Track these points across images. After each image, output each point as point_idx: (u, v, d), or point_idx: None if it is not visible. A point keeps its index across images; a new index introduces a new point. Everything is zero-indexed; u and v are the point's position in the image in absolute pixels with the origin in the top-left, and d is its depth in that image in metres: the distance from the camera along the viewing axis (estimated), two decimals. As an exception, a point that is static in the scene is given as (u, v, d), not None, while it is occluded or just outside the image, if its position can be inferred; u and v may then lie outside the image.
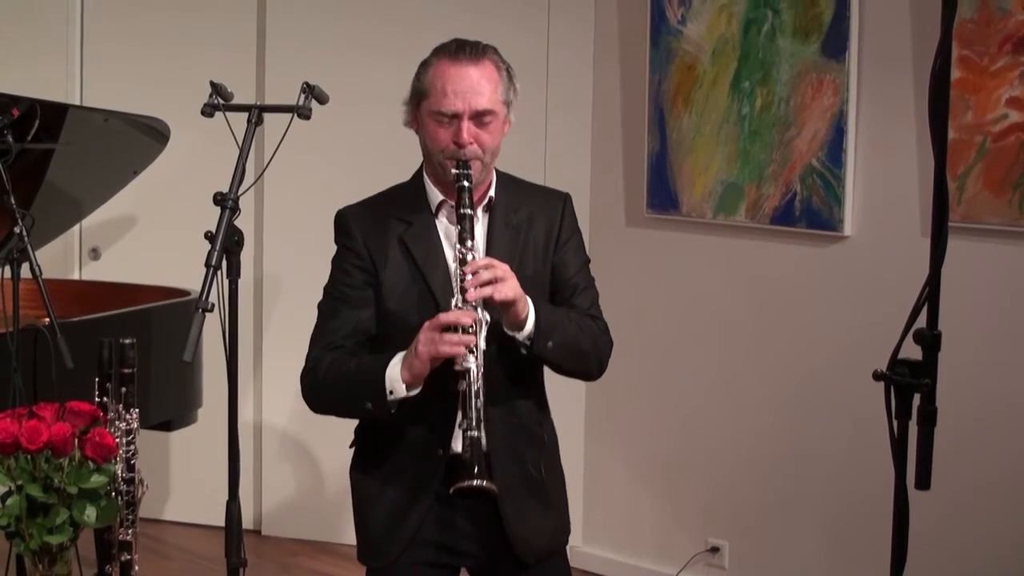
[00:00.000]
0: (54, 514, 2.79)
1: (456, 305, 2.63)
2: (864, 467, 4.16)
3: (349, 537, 5.20)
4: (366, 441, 2.98)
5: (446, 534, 2.87)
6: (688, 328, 4.73)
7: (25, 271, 3.37)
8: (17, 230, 3.37)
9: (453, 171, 2.73)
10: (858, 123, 4.20)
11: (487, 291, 2.61)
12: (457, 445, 2.71)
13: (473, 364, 2.59)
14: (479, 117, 2.75)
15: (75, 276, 5.46)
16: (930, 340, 2.23)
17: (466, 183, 2.70)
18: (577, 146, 4.99)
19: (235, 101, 3.14)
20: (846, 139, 4.20)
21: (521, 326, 2.71)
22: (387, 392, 2.68)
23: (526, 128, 5.04)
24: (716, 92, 4.52)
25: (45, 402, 2.92)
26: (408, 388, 2.67)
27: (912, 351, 2.23)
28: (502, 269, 2.66)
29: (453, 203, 2.77)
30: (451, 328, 2.61)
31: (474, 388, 2.58)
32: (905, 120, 4.06)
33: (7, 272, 3.41)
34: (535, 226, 2.88)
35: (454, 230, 2.76)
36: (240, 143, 3.02)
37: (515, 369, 2.82)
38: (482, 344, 2.62)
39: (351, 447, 3.03)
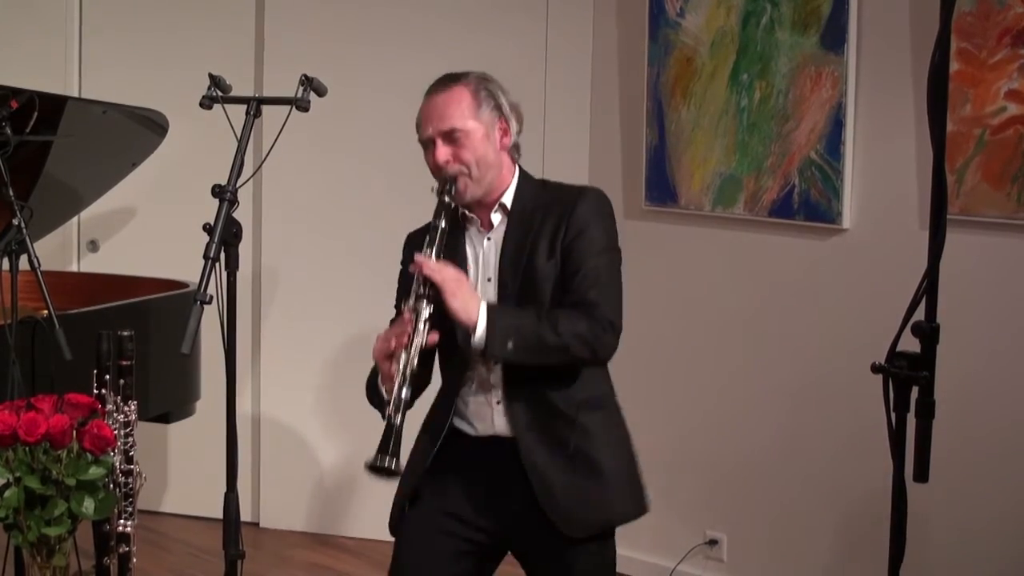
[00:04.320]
0: (52, 506, 2.80)
1: (407, 306, 2.86)
2: (862, 459, 4.16)
3: (347, 529, 5.23)
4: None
5: (468, 508, 2.99)
6: (686, 321, 4.73)
7: (23, 263, 3.37)
8: (16, 222, 3.36)
9: (439, 186, 2.95)
10: (857, 116, 4.20)
11: (430, 271, 2.83)
12: (482, 425, 2.98)
13: (402, 360, 2.80)
14: (449, 137, 2.93)
15: (73, 268, 5.46)
16: (928, 333, 2.23)
17: (446, 199, 2.91)
18: (576, 139, 4.98)
19: (233, 93, 3.15)
20: (845, 132, 4.19)
21: (472, 330, 2.84)
22: (379, 385, 2.90)
23: (525, 120, 5.04)
24: (715, 85, 4.52)
25: (43, 394, 2.93)
26: (387, 393, 2.83)
27: (910, 344, 2.23)
28: (449, 278, 2.84)
29: (473, 215, 3.02)
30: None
31: (398, 380, 2.78)
32: (904, 113, 4.06)
33: (5, 264, 3.41)
34: (547, 221, 2.96)
35: (479, 235, 3.01)
36: (239, 135, 3.03)
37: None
38: (418, 341, 2.81)
39: None
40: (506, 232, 2.98)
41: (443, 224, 2.90)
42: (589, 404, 3.01)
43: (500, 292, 2.95)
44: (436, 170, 2.95)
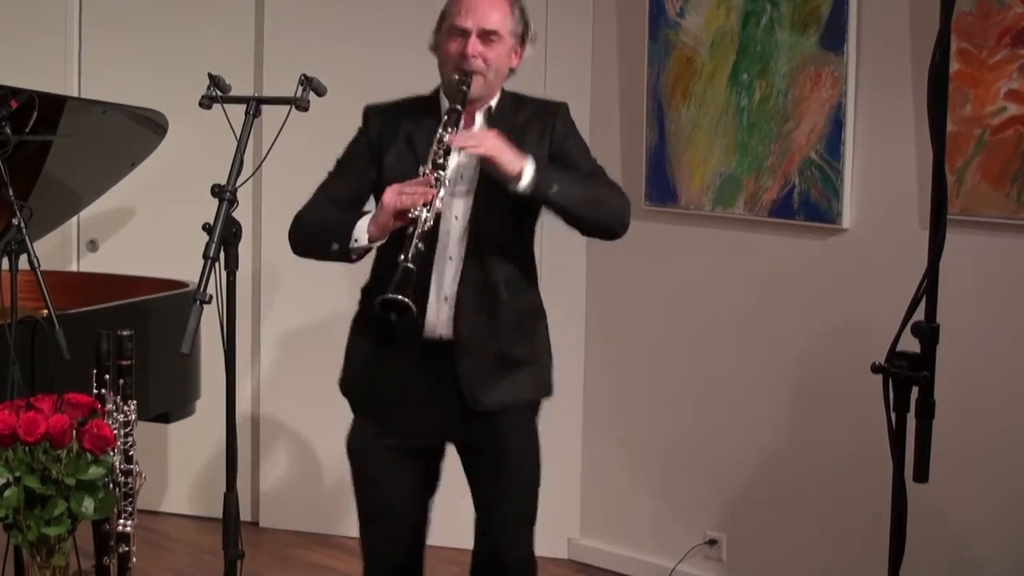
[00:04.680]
0: (52, 506, 2.80)
1: (423, 173, 3.03)
2: (862, 459, 4.16)
3: (347, 529, 5.22)
4: (366, 297, 3.32)
5: (417, 424, 3.24)
6: (686, 321, 4.73)
7: (23, 263, 3.37)
8: (15, 222, 3.37)
9: (455, 76, 3.12)
10: (856, 116, 4.20)
11: (467, 142, 3.03)
12: (435, 327, 3.16)
13: (424, 214, 2.95)
14: (486, 36, 3.14)
15: (73, 268, 5.45)
16: (928, 333, 2.23)
17: (464, 88, 3.09)
18: (575, 138, 4.98)
19: (233, 93, 3.16)
20: (844, 132, 4.19)
21: (518, 177, 3.03)
22: (352, 240, 3.07)
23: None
24: (715, 85, 4.52)
25: (43, 394, 2.93)
26: (370, 240, 3.06)
27: (910, 344, 2.23)
28: (486, 135, 3.06)
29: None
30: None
31: (418, 231, 2.94)
32: (904, 113, 4.06)
33: (5, 264, 3.41)
34: (531, 127, 3.23)
35: (433, 146, 3.12)
36: (238, 135, 3.04)
37: (498, 233, 3.20)
38: (437, 204, 2.98)
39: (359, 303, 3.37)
40: (489, 127, 3.19)
41: (462, 108, 3.08)
42: (528, 311, 3.29)
43: (479, 188, 3.16)
44: (461, 59, 3.12)
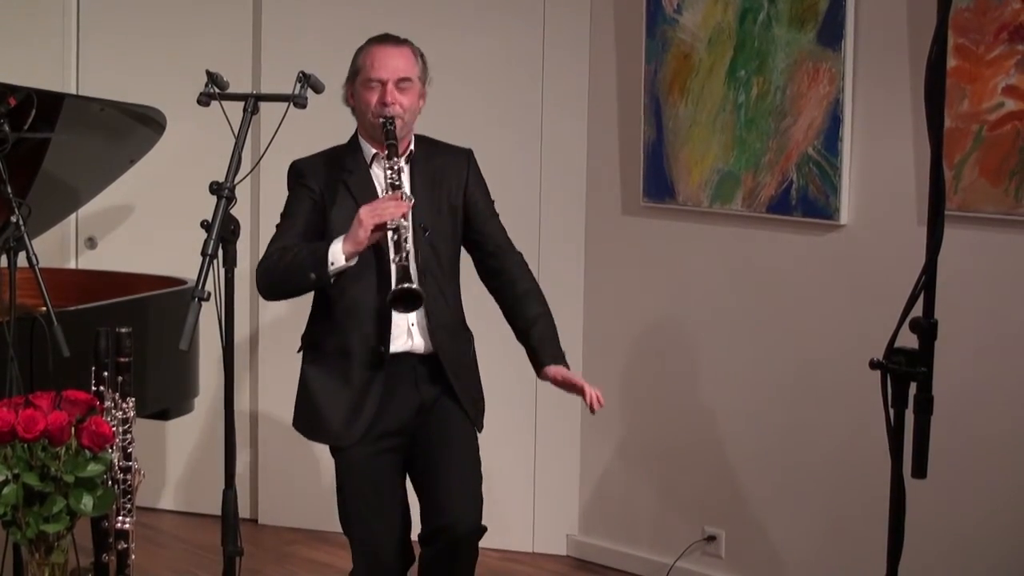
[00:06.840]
0: (51, 503, 2.80)
1: (384, 194, 3.33)
2: (861, 455, 4.16)
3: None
4: (315, 346, 3.56)
5: (391, 422, 3.50)
6: (684, 317, 4.73)
7: (22, 260, 3.37)
8: (14, 219, 3.37)
9: (380, 120, 3.39)
10: (854, 112, 4.20)
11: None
12: (396, 344, 3.44)
13: (403, 222, 3.24)
14: (400, 83, 3.43)
15: (71, 265, 5.45)
16: (926, 329, 2.24)
17: (390, 128, 3.38)
18: (573, 135, 4.98)
19: (231, 90, 3.17)
20: (842, 128, 4.19)
21: None
22: (329, 263, 3.25)
23: (522, 117, 5.04)
24: (712, 81, 4.52)
25: (42, 391, 2.93)
26: (347, 259, 3.26)
27: (908, 340, 2.24)
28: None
29: (383, 152, 3.43)
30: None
31: (404, 235, 3.22)
32: (901, 109, 4.06)
33: (4, 261, 3.41)
34: (447, 172, 3.56)
35: (384, 175, 3.41)
36: (236, 132, 3.04)
37: (443, 281, 3.53)
38: (408, 218, 3.30)
39: (299, 351, 3.60)
40: (412, 175, 3.51)
41: (396, 143, 3.37)
42: (464, 323, 3.69)
43: (412, 225, 3.39)
44: (381, 107, 3.40)
